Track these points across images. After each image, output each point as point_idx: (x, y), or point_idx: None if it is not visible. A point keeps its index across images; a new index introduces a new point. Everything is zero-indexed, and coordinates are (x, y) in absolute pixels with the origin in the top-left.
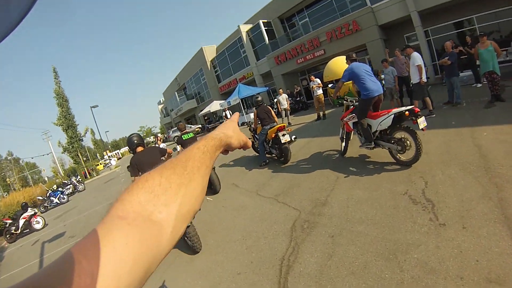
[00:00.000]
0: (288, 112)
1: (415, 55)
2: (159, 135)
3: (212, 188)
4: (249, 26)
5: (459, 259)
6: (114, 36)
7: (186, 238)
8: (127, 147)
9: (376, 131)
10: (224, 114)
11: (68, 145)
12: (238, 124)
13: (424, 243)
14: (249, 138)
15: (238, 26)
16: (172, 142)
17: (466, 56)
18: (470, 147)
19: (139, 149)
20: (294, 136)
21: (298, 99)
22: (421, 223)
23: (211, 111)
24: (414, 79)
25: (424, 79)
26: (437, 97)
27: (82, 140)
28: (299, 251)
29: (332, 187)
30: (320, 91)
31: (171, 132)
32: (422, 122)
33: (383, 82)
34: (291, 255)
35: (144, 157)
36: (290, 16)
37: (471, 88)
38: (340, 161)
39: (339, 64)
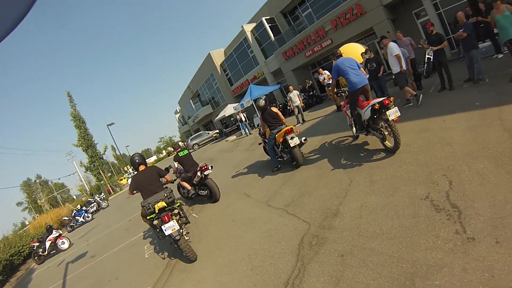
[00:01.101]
0: (302, 109)
1: (391, 45)
2: (180, 143)
3: (212, 197)
4: (253, 25)
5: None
6: (121, 53)
7: (180, 250)
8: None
9: (364, 120)
10: (238, 117)
11: (89, 164)
12: (251, 126)
13: (448, 264)
14: (260, 143)
15: (242, 26)
16: (191, 150)
17: (483, 25)
18: (500, 133)
19: (141, 167)
20: (304, 138)
21: (311, 93)
22: (445, 237)
23: (226, 115)
24: (394, 70)
25: (404, 67)
26: (456, 74)
27: (102, 158)
28: (305, 274)
29: (345, 193)
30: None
31: (190, 140)
32: (392, 113)
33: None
34: (296, 279)
35: (143, 176)
36: (292, 9)
37: (493, 60)
38: (355, 159)
39: (349, 51)
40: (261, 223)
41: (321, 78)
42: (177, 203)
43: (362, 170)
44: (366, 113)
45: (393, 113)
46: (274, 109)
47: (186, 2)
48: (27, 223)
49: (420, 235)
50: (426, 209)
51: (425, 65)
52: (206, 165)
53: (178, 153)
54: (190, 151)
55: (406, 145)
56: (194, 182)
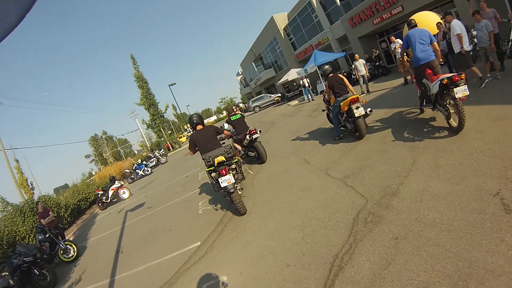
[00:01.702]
0: (367, 79)
1: (454, 23)
2: (240, 104)
3: (259, 158)
4: None
5: None
6: (186, 18)
7: (232, 203)
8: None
9: (432, 94)
10: (302, 82)
11: (151, 121)
12: (314, 93)
13: (508, 273)
14: (323, 110)
15: None
16: (252, 112)
17: None
18: None
19: (199, 127)
20: (369, 109)
21: (377, 63)
22: (511, 242)
23: (289, 79)
24: (456, 49)
25: (466, 47)
26: None
27: (163, 116)
28: (355, 250)
29: (407, 172)
30: None
31: (251, 102)
32: (460, 91)
33: (475, 40)
34: (346, 254)
35: (201, 134)
36: None
37: None
38: (421, 138)
39: (422, 21)
40: (318, 192)
41: (392, 46)
42: (235, 159)
43: (428, 151)
44: (434, 87)
45: (460, 91)
46: (341, 76)
47: None
48: (93, 173)
49: (483, 234)
50: (494, 206)
51: (511, 43)
52: (255, 129)
53: (231, 117)
54: (245, 114)
55: (479, 132)
56: (244, 144)
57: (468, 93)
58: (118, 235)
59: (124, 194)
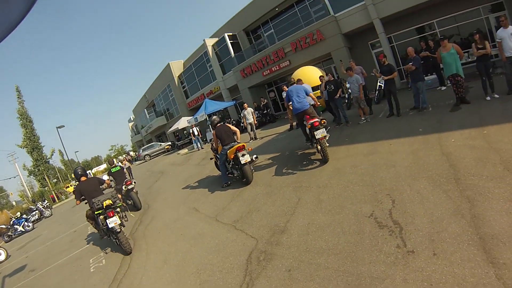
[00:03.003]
0: (255, 126)
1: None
2: (131, 153)
3: (135, 206)
4: (215, 39)
5: None
6: (78, 50)
7: (119, 243)
8: (96, 168)
9: (308, 133)
10: (191, 131)
11: (34, 167)
12: (204, 141)
13: (390, 276)
14: (211, 158)
15: (204, 40)
16: (142, 161)
17: (431, 60)
18: (439, 156)
19: (83, 178)
20: (255, 156)
21: (265, 111)
22: (388, 251)
23: (180, 127)
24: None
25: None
26: (404, 102)
27: (48, 162)
28: None
29: (292, 210)
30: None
31: (141, 150)
32: (319, 133)
33: (349, 91)
34: None
35: (87, 184)
36: (255, 28)
37: (436, 91)
38: (303, 178)
39: (306, 74)
40: (210, 238)
41: (284, 94)
42: (120, 203)
43: (311, 189)
44: (307, 129)
45: (320, 133)
46: (229, 125)
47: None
48: None
49: (364, 250)
50: (370, 226)
51: (376, 92)
52: (130, 181)
53: (111, 169)
54: (135, 163)
55: (353, 166)
56: (122, 193)
57: (326, 135)
58: None
59: (0, 255)
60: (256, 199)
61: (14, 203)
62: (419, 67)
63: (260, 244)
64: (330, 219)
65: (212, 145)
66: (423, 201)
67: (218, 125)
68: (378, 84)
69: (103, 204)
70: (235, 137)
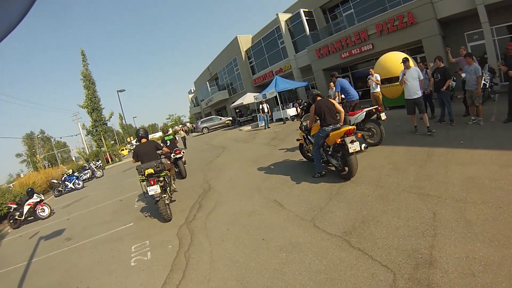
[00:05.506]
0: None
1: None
2: (187, 124)
3: (180, 173)
4: (289, 15)
5: None
6: (145, 19)
7: (159, 210)
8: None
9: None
10: (260, 107)
11: (92, 128)
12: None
13: None
14: (298, 140)
15: (277, 14)
16: (200, 133)
17: None
18: None
19: (143, 140)
20: (364, 145)
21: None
22: None
23: (244, 103)
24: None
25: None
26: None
27: (106, 124)
28: None
29: (432, 231)
30: (378, 89)
31: (200, 122)
32: (383, 115)
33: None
34: None
35: (143, 147)
36: (333, 6)
37: None
38: (425, 182)
39: (393, 61)
40: (311, 254)
41: (370, 78)
42: (164, 172)
43: (445, 201)
44: (359, 117)
45: (383, 115)
46: (333, 101)
47: None
48: (22, 176)
49: None
50: None
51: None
52: (179, 150)
53: (164, 137)
54: (191, 134)
55: (493, 180)
56: (171, 160)
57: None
58: (17, 278)
59: (43, 212)
60: (367, 203)
61: (73, 158)
62: None
63: (401, 281)
64: (498, 254)
65: (302, 123)
66: None
67: (319, 98)
68: (483, 82)
69: (144, 172)
70: (338, 118)
